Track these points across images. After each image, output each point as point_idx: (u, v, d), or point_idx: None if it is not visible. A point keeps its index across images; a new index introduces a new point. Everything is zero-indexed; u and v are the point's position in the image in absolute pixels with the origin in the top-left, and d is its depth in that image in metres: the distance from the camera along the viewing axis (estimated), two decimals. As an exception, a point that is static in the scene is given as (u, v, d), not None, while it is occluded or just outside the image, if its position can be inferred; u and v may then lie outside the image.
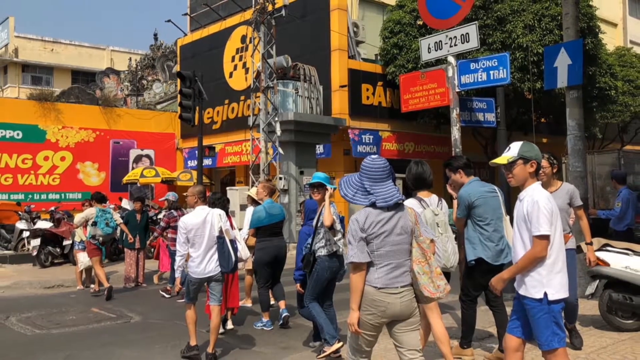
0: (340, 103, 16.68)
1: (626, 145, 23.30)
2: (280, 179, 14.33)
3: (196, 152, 16.00)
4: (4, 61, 37.30)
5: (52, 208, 15.61)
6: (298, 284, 5.80)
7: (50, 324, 7.32)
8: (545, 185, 4.93)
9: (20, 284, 10.33)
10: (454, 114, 8.00)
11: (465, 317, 5.05)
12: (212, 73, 20.16)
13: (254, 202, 7.48)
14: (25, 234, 13.47)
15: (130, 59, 33.83)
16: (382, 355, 5.12)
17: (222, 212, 5.86)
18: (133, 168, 21.65)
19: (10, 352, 6.02)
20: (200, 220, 5.57)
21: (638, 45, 25.26)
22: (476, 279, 4.90)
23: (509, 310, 4.29)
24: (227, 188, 16.35)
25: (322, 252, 5.40)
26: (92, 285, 9.69)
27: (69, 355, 5.83)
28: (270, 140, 14.58)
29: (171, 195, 10.01)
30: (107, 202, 10.29)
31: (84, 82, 34.35)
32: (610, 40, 25.07)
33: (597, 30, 15.78)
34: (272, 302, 7.18)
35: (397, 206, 3.41)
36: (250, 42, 16.96)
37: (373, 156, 3.53)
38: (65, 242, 12.45)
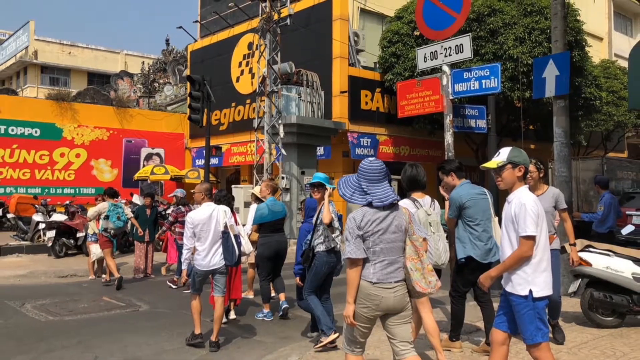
0: (340, 108, 16.68)
1: (609, 153, 23.31)
2: (283, 178, 14.32)
3: (204, 151, 16.00)
4: (24, 62, 37.32)
5: (67, 202, 15.64)
6: (297, 278, 5.80)
7: (63, 311, 7.32)
8: (532, 189, 4.94)
9: (36, 273, 10.34)
10: (448, 120, 8.00)
11: (455, 312, 5.06)
12: (220, 77, 20.16)
13: (258, 200, 7.48)
14: (41, 225, 13.47)
15: (143, 62, 33.83)
16: (375, 346, 5.12)
17: (227, 209, 5.86)
18: (144, 165, 21.67)
19: (25, 337, 6.02)
20: (206, 216, 5.58)
21: (622, 59, 25.25)
22: (465, 276, 4.90)
23: (495, 306, 4.29)
24: (232, 186, 16.34)
25: (320, 248, 5.40)
26: (104, 276, 9.69)
27: (81, 341, 5.83)
28: (274, 142, 14.58)
29: (179, 192, 10.01)
30: (119, 197, 10.28)
31: (99, 84, 34.37)
32: (596, 53, 25.07)
33: (583, 43, 15.78)
34: (273, 294, 7.18)
35: (392, 206, 3.41)
36: (256, 48, 16.95)
37: (370, 158, 3.53)
38: (79, 234, 12.46)
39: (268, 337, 6.01)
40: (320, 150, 16.35)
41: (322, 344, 5.21)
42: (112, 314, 7.20)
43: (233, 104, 20.50)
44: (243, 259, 6.65)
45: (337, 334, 5.20)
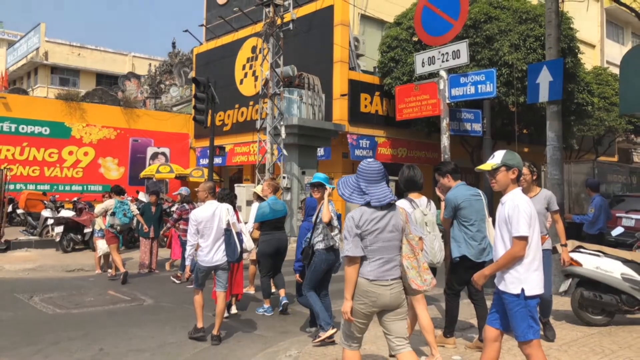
0: (340, 110, 16.68)
1: (600, 157, 23.31)
2: (284, 178, 14.32)
3: (208, 151, 15.98)
4: (35, 63, 37.31)
5: (75, 198, 15.64)
6: (297, 275, 5.80)
7: (70, 304, 7.33)
8: (525, 191, 4.94)
9: (44, 267, 10.33)
10: (444, 123, 8.00)
11: (449, 309, 5.06)
12: (225, 79, 20.16)
13: (259, 199, 7.48)
14: (50, 221, 13.47)
15: (150, 64, 33.81)
16: (372, 341, 5.12)
17: (230, 207, 5.86)
18: (150, 164, 21.66)
19: (33, 329, 6.02)
20: (209, 214, 5.58)
21: (614, 66, 25.25)
22: (460, 275, 4.90)
23: (489, 303, 4.29)
24: (235, 185, 16.35)
25: (320, 246, 5.40)
26: (109, 270, 9.68)
27: (87, 333, 5.83)
28: (276, 143, 14.58)
29: (184, 190, 10.00)
30: (125, 194, 10.28)
31: (107, 85, 34.34)
32: (589, 60, 25.07)
33: (576, 50, 15.78)
34: (273, 290, 7.17)
35: (390, 206, 3.41)
36: (259, 52, 16.95)
37: (369, 160, 3.53)
38: (86, 230, 12.45)
39: (268, 331, 6.01)
40: (320, 151, 16.35)
41: (320, 338, 5.21)
42: (118, 308, 7.20)
43: (236, 106, 20.50)
44: (244, 255, 6.66)
45: (335, 330, 5.20)
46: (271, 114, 14.63)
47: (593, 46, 29.11)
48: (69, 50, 38.27)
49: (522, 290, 3.33)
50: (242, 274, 6.92)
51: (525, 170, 5.06)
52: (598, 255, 5.89)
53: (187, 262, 5.82)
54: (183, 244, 9.26)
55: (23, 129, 19.51)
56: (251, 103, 19.62)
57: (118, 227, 9.25)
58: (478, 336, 4.95)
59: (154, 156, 22.41)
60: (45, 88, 36.33)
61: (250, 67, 19.96)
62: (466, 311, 5.87)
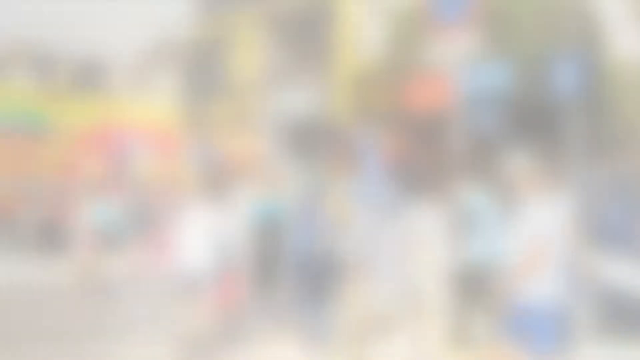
0: (342, 104, 16.68)
1: (624, 156, 23.25)
2: (282, 177, 14.34)
3: (201, 148, 16.00)
4: (10, 48, 37.20)
5: (54, 200, 15.59)
6: (296, 280, 5.81)
7: (51, 311, 7.34)
8: (542, 194, 4.95)
9: (22, 272, 10.33)
10: (455, 118, 8.02)
11: (459, 318, 5.06)
12: (219, 71, 20.14)
13: (256, 199, 7.49)
14: (27, 225, 13.42)
15: (139, 53, 33.73)
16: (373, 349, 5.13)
17: (224, 208, 5.88)
18: (138, 161, 21.62)
19: (10, 337, 6.04)
20: (201, 215, 5.60)
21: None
22: (470, 281, 4.91)
23: (502, 312, 4.30)
24: (231, 184, 16.33)
25: (319, 249, 5.41)
26: (93, 276, 9.67)
27: (69, 341, 5.84)
28: (274, 139, 14.60)
29: (176, 190, 10.00)
30: (111, 194, 10.30)
31: (92, 75, 34.25)
32: (613, 51, 24.99)
33: (602, 41, 15.75)
34: (270, 296, 7.17)
35: (394, 209, 3.44)
36: (257, 42, 16.96)
37: (373, 160, 3.56)
38: (67, 233, 12.43)
39: (264, 340, 6.01)
40: (321, 149, 16.34)
41: (319, 348, 5.22)
42: (103, 314, 7.21)
43: (231, 99, 20.49)
44: (237, 259, 6.66)
45: (334, 339, 5.21)
46: (269, 109, 14.65)
47: (618, 37, 29.07)
48: (50, 34, 38.22)
49: (538, 297, 3.36)
50: (237, 279, 6.93)
51: (542, 171, 5.08)
52: (623, 263, 5.90)
53: (179, 266, 5.84)
54: (174, 247, 9.26)
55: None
56: (248, 97, 19.62)
57: (103, 231, 9.25)
58: (489, 347, 4.96)
59: (143, 153, 22.38)
60: (21, 76, 36.21)
61: (247, 59, 19.96)
62: (475, 320, 5.88)
